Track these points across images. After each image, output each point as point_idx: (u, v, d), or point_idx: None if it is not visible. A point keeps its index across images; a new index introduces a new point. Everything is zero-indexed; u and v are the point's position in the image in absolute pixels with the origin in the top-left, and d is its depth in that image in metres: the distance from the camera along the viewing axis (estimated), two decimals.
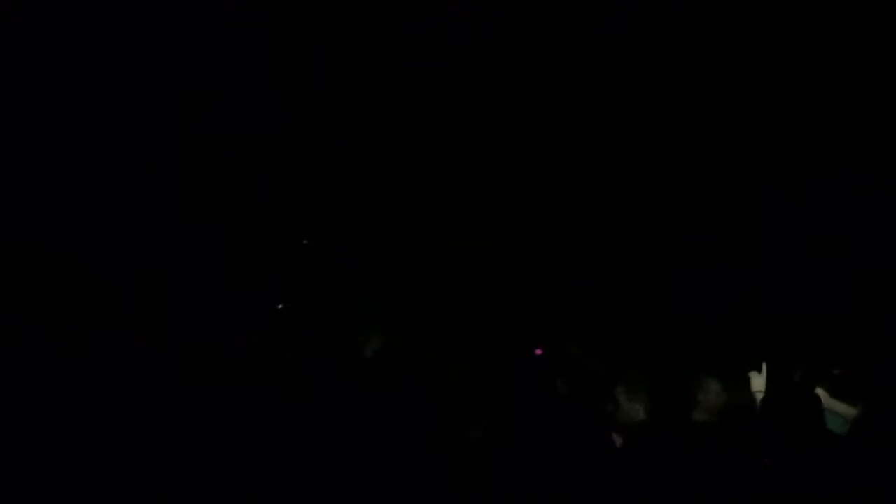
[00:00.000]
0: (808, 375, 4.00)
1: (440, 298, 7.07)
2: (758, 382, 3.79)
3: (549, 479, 3.21)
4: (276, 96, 4.45)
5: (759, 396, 3.72)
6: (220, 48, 3.88)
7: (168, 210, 6.20)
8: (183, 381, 3.99)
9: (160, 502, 3.40)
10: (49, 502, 3.33)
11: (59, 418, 3.63)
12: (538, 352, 5.17)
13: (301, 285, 7.85)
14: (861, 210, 5.50)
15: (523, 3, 3.39)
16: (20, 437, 3.51)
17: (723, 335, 5.64)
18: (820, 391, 3.52)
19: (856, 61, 4.09)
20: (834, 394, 3.70)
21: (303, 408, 3.95)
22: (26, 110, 4.47)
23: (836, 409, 3.66)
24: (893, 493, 2.88)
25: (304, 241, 8.38)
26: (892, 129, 5.00)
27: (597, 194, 6.87)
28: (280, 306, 7.40)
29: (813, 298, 5.69)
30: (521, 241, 8.37)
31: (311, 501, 3.51)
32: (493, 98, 4.41)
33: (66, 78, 4.25)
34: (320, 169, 5.97)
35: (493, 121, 4.76)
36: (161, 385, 3.82)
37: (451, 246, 8.18)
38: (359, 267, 8.00)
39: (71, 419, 3.63)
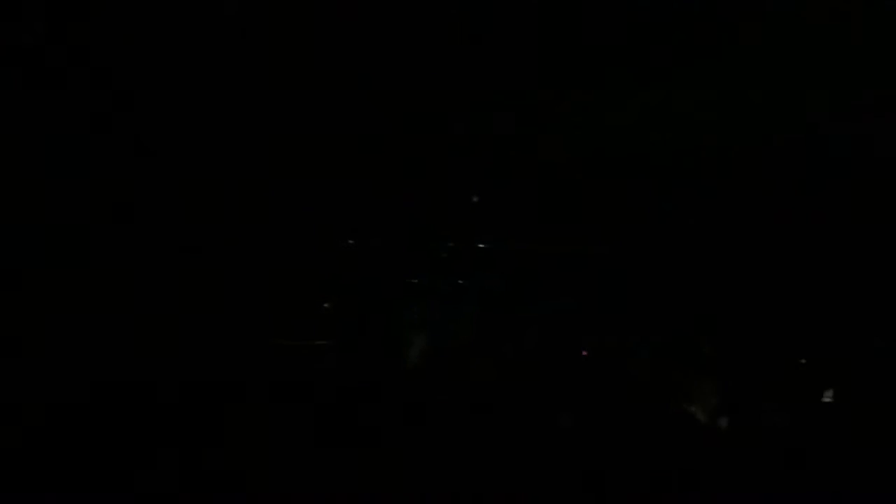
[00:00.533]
0: None
1: (484, 302, 7.01)
2: None
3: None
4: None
5: None
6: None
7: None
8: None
9: None
10: None
11: None
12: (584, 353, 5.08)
13: (346, 286, 7.85)
14: None
15: None
16: None
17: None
18: None
19: None
20: None
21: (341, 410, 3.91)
22: None
23: None
24: None
25: (350, 242, 8.37)
26: None
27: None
28: (325, 305, 7.40)
29: None
30: (566, 245, 8.28)
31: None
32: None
33: None
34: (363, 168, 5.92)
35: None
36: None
37: (497, 249, 8.12)
38: (403, 269, 7.96)
39: None
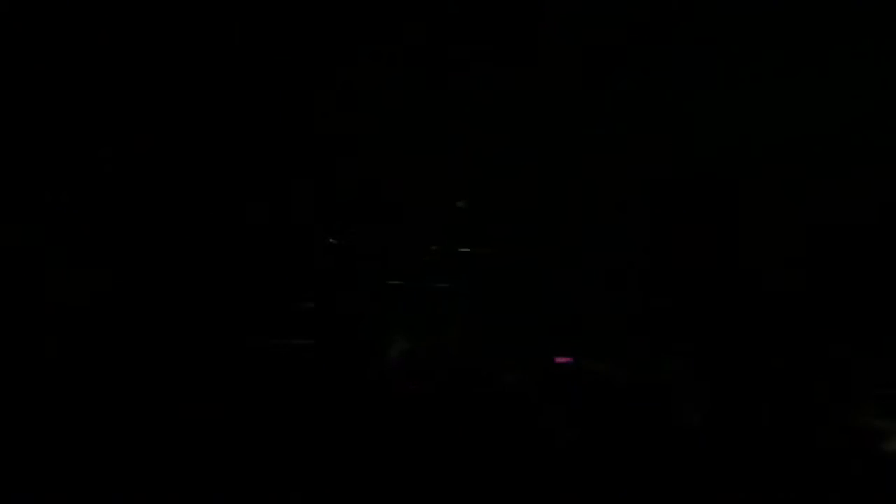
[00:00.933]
0: None
1: (470, 304, 6.96)
2: None
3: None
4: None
5: None
6: None
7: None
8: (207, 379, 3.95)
9: None
10: None
11: None
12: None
13: (330, 285, 7.79)
14: None
15: None
16: None
17: None
18: None
19: None
20: None
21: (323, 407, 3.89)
22: None
23: None
24: None
25: (331, 241, 8.31)
26: None
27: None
28: (311, 305, 7.34)
29: None
30: (553, 250, 8.24)
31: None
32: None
33: None
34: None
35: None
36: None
37: (484, 253, 8.08)
38: (387, 268, 7.90)
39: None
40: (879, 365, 4.73)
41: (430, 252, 8.54)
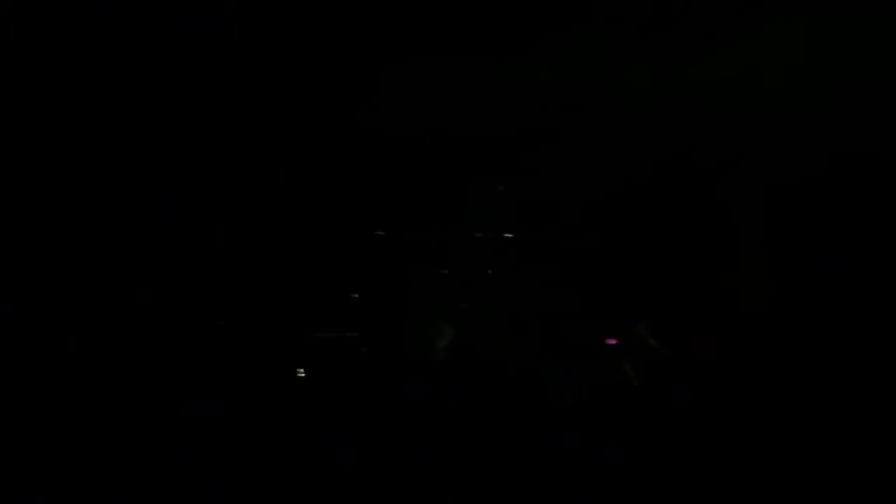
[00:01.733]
0: None
1: (510, 295, 6.98)
2: None
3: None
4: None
5: None
6: None
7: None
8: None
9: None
10: None
11: None
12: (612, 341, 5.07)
13: (375, 276, 7.88)
14: None
15: None
16: None
17: None
18: None
19: None
20: None
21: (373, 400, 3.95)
22: None
23: None
24: None
25: (379, 232, 8.40)
26: None
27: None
28: (356, 296, 7.45)
29: None
30: (587, 235, 8.20)
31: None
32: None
33: None
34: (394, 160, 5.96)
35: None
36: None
37: (520, 240, 8.08)
38: (432, 260, 7.96)
39: None
40: None
41: (474, 238, 8.59)
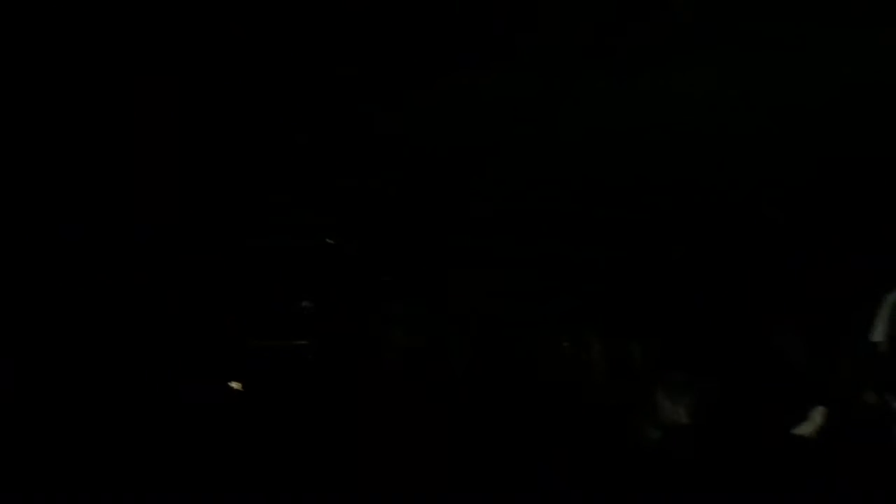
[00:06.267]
0: None
1: (465, 301, 6.94)
2: None
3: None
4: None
5: None
6: None
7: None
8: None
9: None
10: None
11: None
12: None
13: (325, 283, 7.77)
14: None
15: None
16: None
17: None
18: None
19: None
20: None
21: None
22: None
23: None
24: None
25: (328, 241, 8.30)
26: None
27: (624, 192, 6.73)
28: (304, 304, 7.33)
29: None
30: (548, 242, 8.22)
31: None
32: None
33: None
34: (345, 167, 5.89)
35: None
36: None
37: (476, 246, 8.05)
38: (383, 266, 7.88)
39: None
40: None
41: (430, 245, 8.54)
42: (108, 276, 5.21)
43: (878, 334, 2.82)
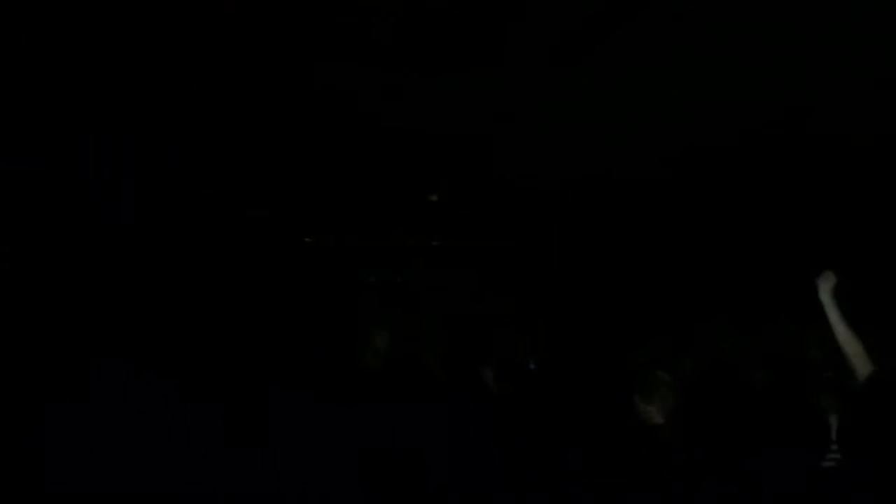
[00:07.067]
0: None
1: (441, 301, 6.95)
2: None
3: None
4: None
5: None
6: None
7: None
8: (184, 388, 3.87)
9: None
10: None
11: None
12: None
13: (303, 284, 7.74)
14: None
15: None
16: None
17: None
18: None
19: None
20: None
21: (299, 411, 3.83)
22: None
23: None
24: None
25: (306, 240, 8.27)
26: None
27: (604, 196, 6.76)
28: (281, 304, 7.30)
29: None
30: (524, 244, 8.22)
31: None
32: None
33: None
34: (320, 167, 5.85)
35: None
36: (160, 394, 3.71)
37: (452, 247, 8.05)
38: (361, 268, 7.86)
39: None
40: None
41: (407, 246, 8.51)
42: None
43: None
